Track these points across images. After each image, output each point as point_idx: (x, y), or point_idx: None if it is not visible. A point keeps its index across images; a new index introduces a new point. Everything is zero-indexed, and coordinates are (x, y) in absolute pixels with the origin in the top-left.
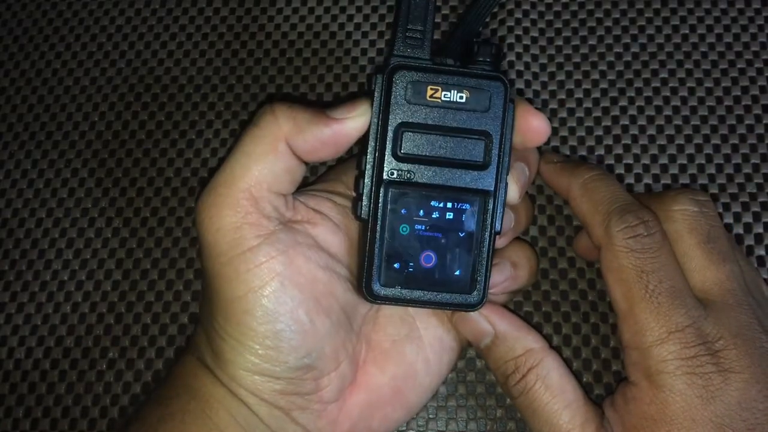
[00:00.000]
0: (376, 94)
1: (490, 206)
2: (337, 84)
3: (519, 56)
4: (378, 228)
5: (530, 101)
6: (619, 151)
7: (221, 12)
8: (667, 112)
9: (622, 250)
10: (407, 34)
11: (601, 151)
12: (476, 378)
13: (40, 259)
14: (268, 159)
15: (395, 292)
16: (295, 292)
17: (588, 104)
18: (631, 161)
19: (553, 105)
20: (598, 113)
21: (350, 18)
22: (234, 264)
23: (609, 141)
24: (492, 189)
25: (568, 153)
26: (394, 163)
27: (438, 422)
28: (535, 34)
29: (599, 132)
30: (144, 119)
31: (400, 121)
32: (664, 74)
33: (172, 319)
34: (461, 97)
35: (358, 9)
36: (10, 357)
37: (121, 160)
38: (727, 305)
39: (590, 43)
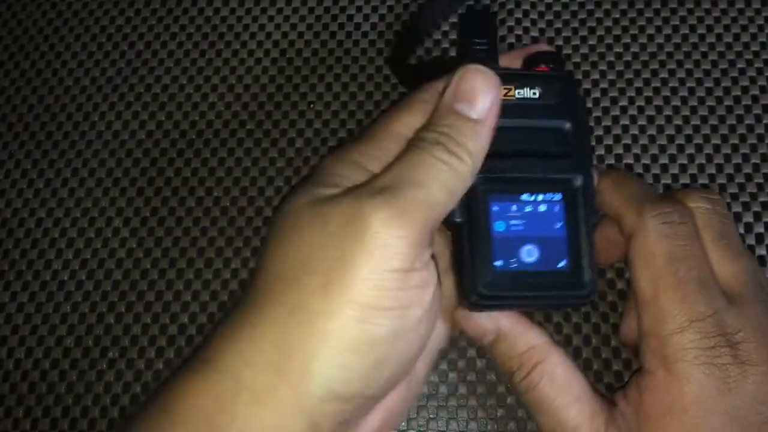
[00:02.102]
0: None
1: (582, 195)
2: (337, 84)
3: None
4: (474, 229)
5: None
6: (620, 151)
7: (221, 12)
8: (668, 112)
9: (656, 236)
10: (475, 47)
11: (601, 151)
12: (477, 378)
13: (40, 259)
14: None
15: (502, 292)
16: (423, 326)
17: (588, 104)
18: (631, 161)
19: None
20: (598, 113)
21: (350, 18)
22: (390, 277)
23: (609, 141)
24: (581, 177)
25: None
26: None
27: (438, 422)
28: (535, 34)
29: (599, 132)
30: (144, 119)
31: None
32: (664, 74)
33: (172, 319)
34: (534, 93)
35: (358, 9)
36: (10, 357)
37: (121, 160)
38: (746, 299)
39: (590, 43)
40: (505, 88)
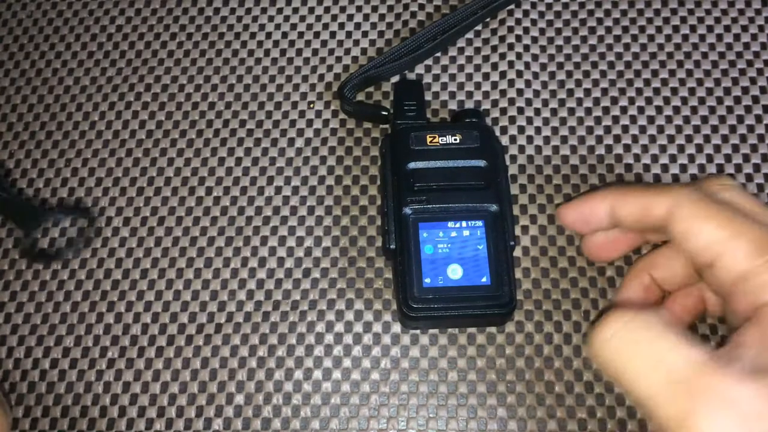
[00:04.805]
0: (387, 149)
1: (500, 221)
2: (336, 83)
3: (519, 56)
4: (406, 253)
5: (530, 101)
6: (620, 151)
7: (221, 12)
8: (668, 112)
9: (722, 188)
10: (405, 108)
11: (601, 151)
12: (477, 377)
13: None
14: None
15: (431, 305)
16: None
17: (589, 104)
18: (631, 161)
19: (554, 104)
20: (598, 113)
21: (350, 18)
22: None
23: (609, 141)
24: (497, 206)
25: (568, 153)
26: (410, 197)
27: (438, 421)
28: (535, 34)
29: (600, 132)
30: (144, 119)
31: (409, 162)
32: (664, 74)
33: (171, 318)
34: (455, 139)
35: (358, 9)
36: (10, 356)
37: (121, 160)
38: None
39: (591, 42)
40: (430, 137)
